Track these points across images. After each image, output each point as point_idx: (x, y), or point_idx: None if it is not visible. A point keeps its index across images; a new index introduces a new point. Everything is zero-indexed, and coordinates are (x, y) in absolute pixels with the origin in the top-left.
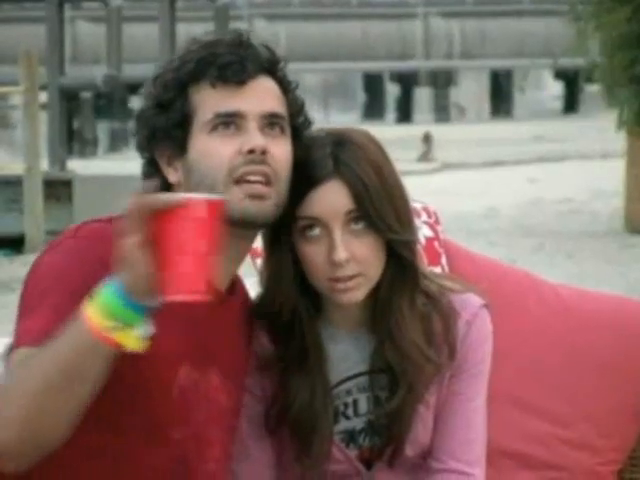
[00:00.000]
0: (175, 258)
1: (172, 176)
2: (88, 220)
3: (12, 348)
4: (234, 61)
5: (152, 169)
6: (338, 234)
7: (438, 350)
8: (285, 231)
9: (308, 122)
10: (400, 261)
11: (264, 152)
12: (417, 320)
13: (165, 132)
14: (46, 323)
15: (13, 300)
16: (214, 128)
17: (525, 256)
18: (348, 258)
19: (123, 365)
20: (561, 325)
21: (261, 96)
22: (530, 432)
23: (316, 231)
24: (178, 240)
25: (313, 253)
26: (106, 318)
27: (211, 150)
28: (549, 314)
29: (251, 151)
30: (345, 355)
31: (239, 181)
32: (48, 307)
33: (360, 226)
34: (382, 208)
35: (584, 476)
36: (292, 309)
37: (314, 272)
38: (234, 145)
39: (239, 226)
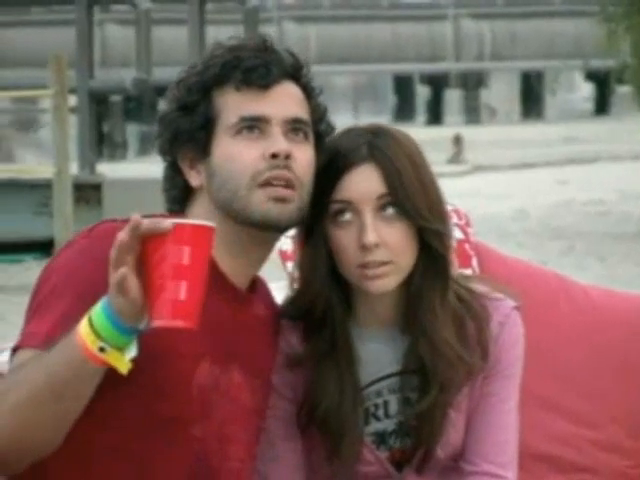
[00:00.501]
0: (162, 284)
1: (194, 179)
2: (105, 220)
3: (16, 347)
4: (259, 65)
5: (173, 172)
6: (369, 218)
7: (471, 351)
8: (319, 219)
9: (331, 128)
10: (431, 253)
11: (288, 156)
12: (449, 319)
13: (188, 135)
14: (52, 327)
15: None
16: (238, 132)
17: (555, 258)
18: (378, 242)
19: (140, 364)
20: (591, 326)
21: (285, 101)
22: (559, 434)
23: (347, 216)
24: (166, 266)
25: (344, 238)
26: (96, 338)
27: (235, 154)
28: (579, 315)
29: (275, 155)
30: (376, 356)
31: (262, 185)
32: (56, 310)
33: (391, 212)
34: (414, 195)
35: (614, 479)
36: (325, 302)
37: (344, 259)
38: (258, 149)
39: (261, 229)
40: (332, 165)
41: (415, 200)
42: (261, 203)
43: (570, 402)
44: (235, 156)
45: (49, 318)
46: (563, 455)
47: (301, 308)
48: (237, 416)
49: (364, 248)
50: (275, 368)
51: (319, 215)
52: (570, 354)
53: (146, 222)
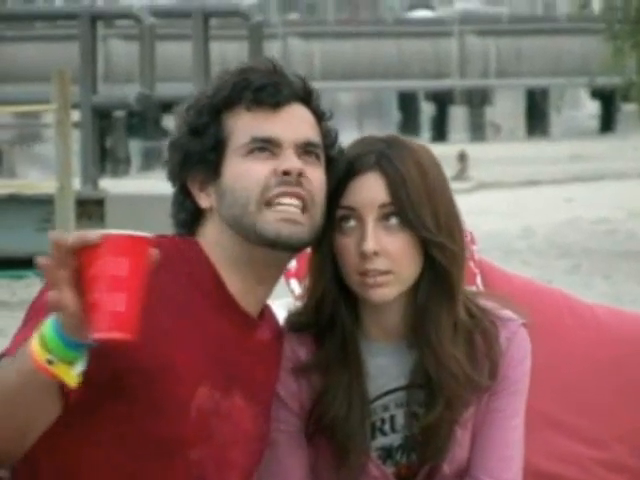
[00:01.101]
0: (98, 296)
1: (204, 201)
2: None
3: (1, 355)
4: (269, 84)
5: (183, 196)
6: (370, 225)
7: (479, 369)
8: (328, 226)
9: (342, 153)
10: (436, 267)
11: (300, 174)
12: (458, 335)
13: (199, 157)
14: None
15: None
16: (250, 152)
17: (560, 276)
18: (377, 250)
19: (138, 384)
20: (596, 344)
21: (297, 123)
22: (562, 452)
23: (351, 222)
24: (101, 278)
25: (346, 244)
26: (44, 350)
27: (245, 171)
28: (584, 333)
29: (286, 173)
30: (383, 369)
31: (271, 203)
32: (38, 320)
33: (394, 221)
34: (419, 206)
35: None
36: (331, 308)
37: (346, 265)
38: (269, 166)
39: (271, 247)
40: (340, 171)
41: (419, 211)
42: (272, 222)
43: (573, 420)
44: (245, 173)
45: (30, 326)
46: (565, 473)
47: (309, 316)
48: (238, 441)
49: (364, 256)
50: (281, 379)
51: (328, 221)
52: (574, 372)
53: (73, 236)
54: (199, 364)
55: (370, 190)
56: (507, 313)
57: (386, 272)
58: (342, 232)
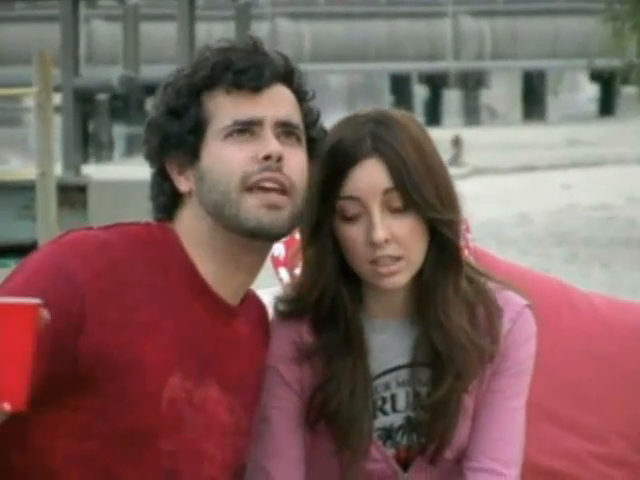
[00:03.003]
0: None
1: (183, 185)
2: (81, 227)
3: None
4: (250, 66)
5: (161, 179)
6: (377, 213)
7: (482, 335)
8: (326, 216)
9: (324, 133)
10: (442, 243)
11: (280, 159)
12: (462, 306)
13: (177, 139)
14: None
15: None
16: (229, 134)
17: (558, 265)
18: (387, 238)
19: (105, 376)
20: (594, 336)
21: (277, 103)
22: (561, 447)
23: (355, 212)
24: None
25: (353, 235)
26: None
27: (225, 156)
28: (582, 324)
29: (267, 157)
30: (385, 347)
31: (253, 188)
32: None
33: (400, 205)
34: (422, 186)
35: None
36: (333, 298)
37: (355, 256)
38: (249, 151)
39: (252, 237)
40: (336, 160)
41: (423, 191)
42: (253, 209)
43: (571, 414)
44: (225, 158)
45: None
46: (563, 468)
47: (306, 306)
48: (213, 432)
49: (374, 244)
50: (284, 361)
51: (326, 212)
52: (572, 364)
53: None
54: (170, 353)
55: (372, 177)
56: (511, 294)
57: (398, 258)
58: (346, 222)
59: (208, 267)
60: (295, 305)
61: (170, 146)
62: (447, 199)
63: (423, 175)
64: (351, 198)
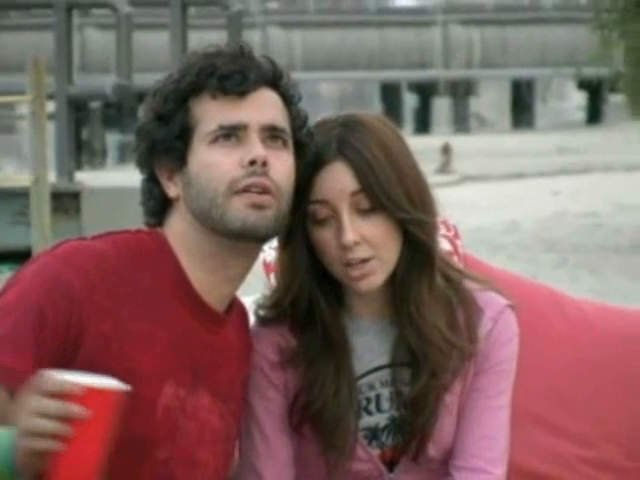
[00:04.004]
0: (67, 446)
1: (172, 190)
2: (74, 237)
3: None
4: (235, 71)
5: (151, 184)
6: (346, 216)
7: (460, 334)
8: (299, 220)
9: (312, 136)
10: (414, 243)
11: (265, 163)
12: (439, 304)
13: (165, 145)
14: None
15: None
16: (214, 140)
17: (547, 271)
18: (357, 240)
19: None
20: (584, 341)
21: (263, 107)
22: (553, 452)
23: (325, 215)
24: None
25: (324, 238)
26: None
27: (211, 162)
28: (572, 329)
29: (252, 162)
30: (368, 347)
31: (239, 192)
32: (5, 325)
33: (368, 207)
34: (389, 187)
35: None
36: (307, 301)
37: (328, 258)
38: (235, 156)
39: (238, 238)
40: (305, 164)
41: (391, 192)
42: (238, 210)
43: (560, 419)
44: (212, 164)
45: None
46: (551, 472)
47: (284, 310)
48: (205, 440)
49: (344, 247)
50: (269, 364)
51: (298, 215)
52: (562, 370)
53: (53, 382)
54: (164, 362)
55: (338, 181)
56: (492, 294)
57: (369, 259)
58: (317, 225)
59: (197, 274)
60: (274, 310)
61: (159, 151)
62: (418, 200)
63: (391, 176)
64: (320, 202)
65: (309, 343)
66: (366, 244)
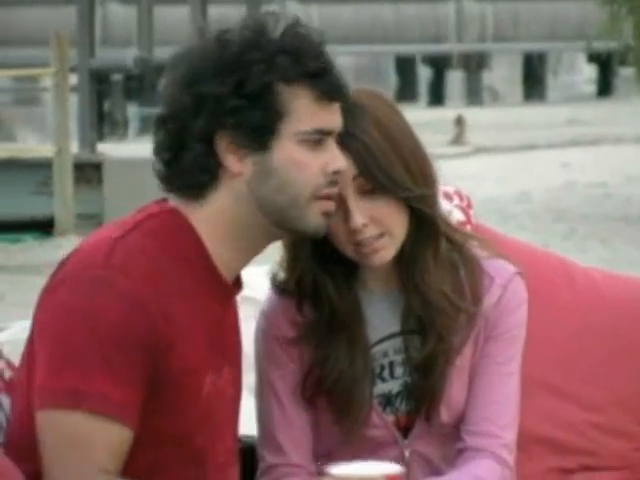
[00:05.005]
0: None
1: (234, 165)
2: (105, 232)
3: (74, 401)
4: (342, 84)
5: (208, 158)
6: (352, 201)
7: (464, 296)
8: None
9: None
10: (419, 216)
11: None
12: (444, 270)
13: (248, 121)
14: (121, 392)
15: (43, 283)
16: (305, 140)
17: (557, 241)
18: (365, 222)
19: (163, 383)
20: (592, 309)
21: (339, 114)
22: (562, 418)
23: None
24: None
25: (333, 223)
26: None
27: (301, 162)
28: (580, 297)
29: (336, 172)
30: (380, 316)
31: (319, 198)
32: (102, 365)
33: (371, 189)
34: (389, 168)
35: (616, 462)
36: (314, 281)
37: (338, 241)
38: (319, 161)
39: (303, 238)
40: None
41: (391, 172)
42: (316, 215)
43: (567, 384)
44: (301, 164)
45: (99, 375)
46: (566, 438)
47: (293, 284)
48: (225, 412)
49: (353, 230)
50: (284, 333)
51: None
52: (572, 338)
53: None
54: (203, 353)
55: None
56: (501, 262)
57: (379, 236)
58: None
59: (222, 251)
60: (285, 284)
61: (232, 124)
62: (418, 173)
63: (391, 156)
64: None
65: (318, 322)
66: (374, 223)
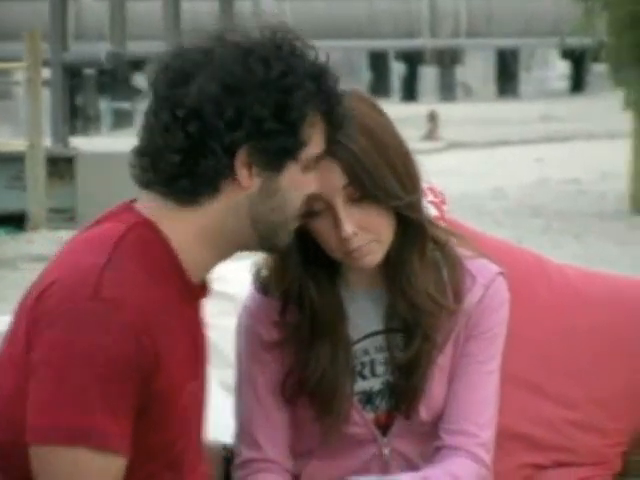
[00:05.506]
0: None
1: (245, 179)
2: (84, 257)
3: (78, 441)
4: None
5: (227, 170)
6: (341, 210)
7: (446, 294)
8: None
9: None
10: (407, 221)
11: None
12: (428, 269)
13: (280, 146)
14: (118, 427)
15: (18, 278)
16: (310, 168)
17: (531, 237)
18: (355, 231)
19: (149, 403)
20: (568, 306)
21: None
22: (538, 415)
23: (320, 207)
24: None
25: (323, 230)
26: None
27: (302, 188)
28: (555, 295)
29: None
30: (362, 313)
31: (297, 217)
32: (100, 400)
33: (360, 198)
34: (380, 178)
35: (591, 458)
36: (299, 286)
37: (328, 247)
38: (315, 186)
39: (269, 249)
40: None
41: (381, 183)
42: (291, 234)
43: (552, 384)
44: (302, 188)
45: (98, 411)
46: (542, 435)
47: (279, 292)
48: (197, 413)
49: (344, 239)
50: (266, 330)
51: None
52: (546, 334)
53: None
54: (185, 365)
55: (328, 176)
56: (484, 261)
57: (368, 242)
58: (314, 218)
59: (195, 257)
60: (272, 288)
61: (264, 143)
62: (407, 178)
63: (380, 165)
64: (314, 196)
65: (300, 325)
66: (364, 231)
